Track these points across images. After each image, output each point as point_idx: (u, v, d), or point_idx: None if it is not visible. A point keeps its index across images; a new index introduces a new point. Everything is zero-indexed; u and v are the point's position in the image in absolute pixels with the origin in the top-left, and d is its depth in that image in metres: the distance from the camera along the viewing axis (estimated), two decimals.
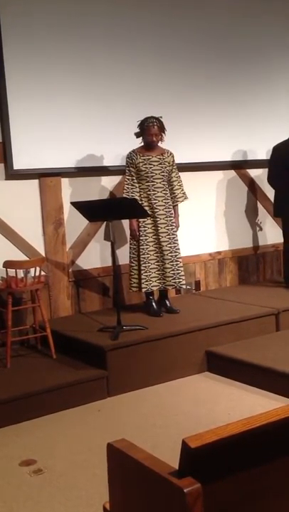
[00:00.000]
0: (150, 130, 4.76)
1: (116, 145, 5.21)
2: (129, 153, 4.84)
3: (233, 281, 6.20)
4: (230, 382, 4.30)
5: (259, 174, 6.29)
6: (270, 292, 5.69)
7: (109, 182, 5.35)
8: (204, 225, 5.92)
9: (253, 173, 6.26)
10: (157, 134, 4.78)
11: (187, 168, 5.53)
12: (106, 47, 5.18)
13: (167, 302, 5.07)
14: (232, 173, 6.13)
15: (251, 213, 6.31)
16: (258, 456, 1.50)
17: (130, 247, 4.91)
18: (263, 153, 6.15)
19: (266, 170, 6.00)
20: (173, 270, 4.86)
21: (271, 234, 6.45)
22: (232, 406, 3.86)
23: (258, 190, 6.31)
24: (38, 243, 5.00)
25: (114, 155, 5.25)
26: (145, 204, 4.78)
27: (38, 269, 4.44)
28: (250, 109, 6.08)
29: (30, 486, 2.96)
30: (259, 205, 6.34)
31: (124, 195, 4.77)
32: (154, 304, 4.98)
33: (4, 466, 3.19)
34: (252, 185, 6.28)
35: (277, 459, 1.54)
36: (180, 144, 5.34)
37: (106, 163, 5.25)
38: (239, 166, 6.13)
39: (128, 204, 4.54)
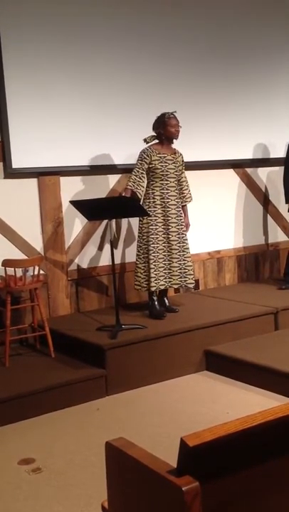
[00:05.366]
0: (172, 121, 4.70)
1: (115, 144, 5.21)
2: (146, 148, 4.76)
3: (231, 280, 6.20)
4: (229, 381, 4.30)
5: (258, 173, 6.29)
6: (269, 291, 5.69)
7: (108, 181, 5.35)
8: (203, 224, 5.92)
9: (253, 171, 6.26)
10: (178, 126, 4.74)
11: (186, 167, 5.52)
12: (105, 46, 5.17)
13: (166, 301, 5.06)
14: (231, 171, 6.13)
15: (250, 213, 6.31)
16: (256, 455, 1.51)
17: (138, 245, 4.85)
18: (262, 152, 6.15)
19: (264, 169, 5.99)
20: (180, 269, 4.83)
21: (270, 233, 6.46)
22: (230, 405, 3.86)
23: (257, 189, 6.32)
24: (36, 242, 5.00)
25: (113, 154, 5.25)
26: (158, 202, 4.76)
27: (36, 268, 4.44)
28: (252, 108, 6.07)
29: (29, 484, 2.97)
30: (258, 204, 6.35)
31: (129, 184, 4.72)
32: (157, 305, 4.93)
33: (3, 465, 3.19)
34: (251, 184, 6.28)
35: (275, 458, 1.54)
36: (180, 143, 5.33)
37: (105, 162, 5.25)
38: (238, 164, 6.13)
39: (128, 203, 4.53)
